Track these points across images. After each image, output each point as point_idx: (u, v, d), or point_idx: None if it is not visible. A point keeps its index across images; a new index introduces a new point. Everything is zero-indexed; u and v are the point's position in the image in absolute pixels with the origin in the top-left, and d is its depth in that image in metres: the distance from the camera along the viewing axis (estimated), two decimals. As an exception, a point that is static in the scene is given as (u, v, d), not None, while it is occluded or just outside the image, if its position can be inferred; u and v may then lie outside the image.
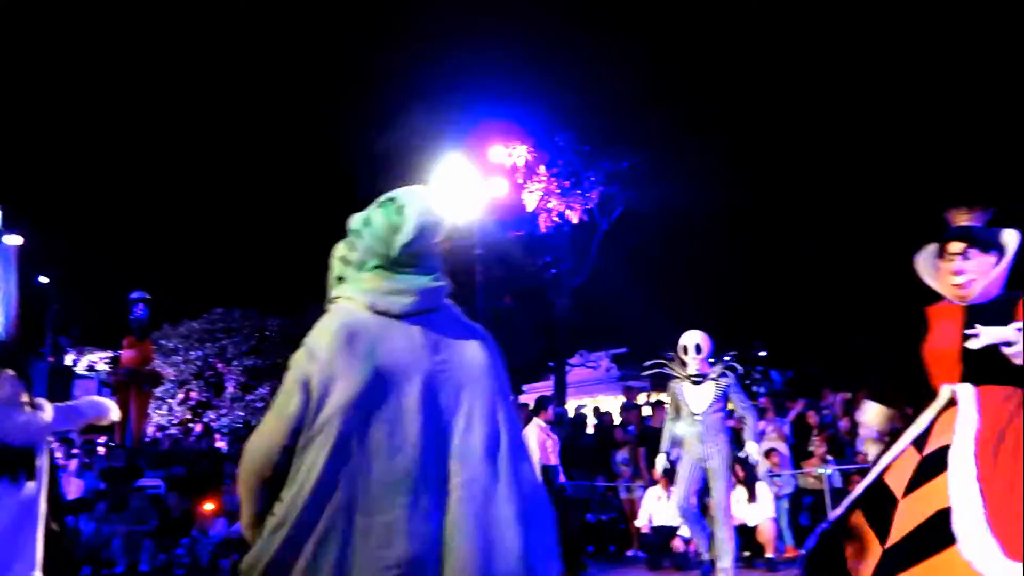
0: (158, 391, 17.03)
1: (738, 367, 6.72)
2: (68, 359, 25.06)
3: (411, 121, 17.99)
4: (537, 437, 7.88)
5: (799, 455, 9.35)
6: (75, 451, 12.57)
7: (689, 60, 18.19)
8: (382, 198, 2.42)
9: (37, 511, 6.35)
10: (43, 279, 24.44)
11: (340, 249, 2.40)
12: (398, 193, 2.44)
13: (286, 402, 2.11)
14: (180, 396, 20.54)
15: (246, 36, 23.20)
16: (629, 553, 9.74)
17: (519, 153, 17.75)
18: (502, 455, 2.20)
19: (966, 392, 3.57)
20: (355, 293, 2.27)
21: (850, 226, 19.24)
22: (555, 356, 19.27)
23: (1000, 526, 3.17)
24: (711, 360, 6.68)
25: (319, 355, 2.13)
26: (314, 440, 2.07)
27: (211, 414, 20.17)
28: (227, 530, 9.98)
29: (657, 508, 8.54)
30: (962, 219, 3.87)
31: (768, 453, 9.07)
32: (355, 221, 2.39)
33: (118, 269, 21.57)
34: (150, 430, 16.44)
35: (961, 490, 3.29)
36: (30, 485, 5.98)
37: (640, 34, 18.17)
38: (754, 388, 23.83)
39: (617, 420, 11.75)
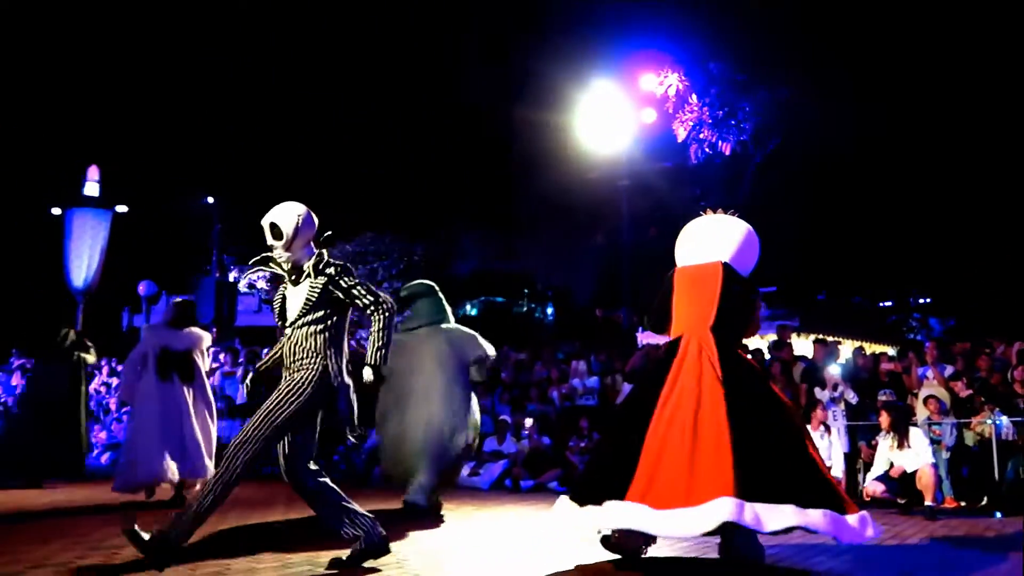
0: (315, 309, 17.78)
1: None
2: (231, 276, 26.66)
3: (562, 48, 17.79)
4: None
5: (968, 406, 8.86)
6: (241, 360, 13.45)
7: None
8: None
9: (185, 406, 7.11)
10: (209, 199, 25.95)
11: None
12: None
13: None
14: (334, 315, 21.47)
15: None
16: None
17: (670, 82, 17.26)
18: None
19: None
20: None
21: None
22: (700, 292, 18.90)
23: None
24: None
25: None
26: None
27: (362, 333, 21.05)
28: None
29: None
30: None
31: (927, 400, 8.69)
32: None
33: (279, 190, 22.59)
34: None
35: None
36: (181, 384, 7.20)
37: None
38: (910, 336, 22.70)
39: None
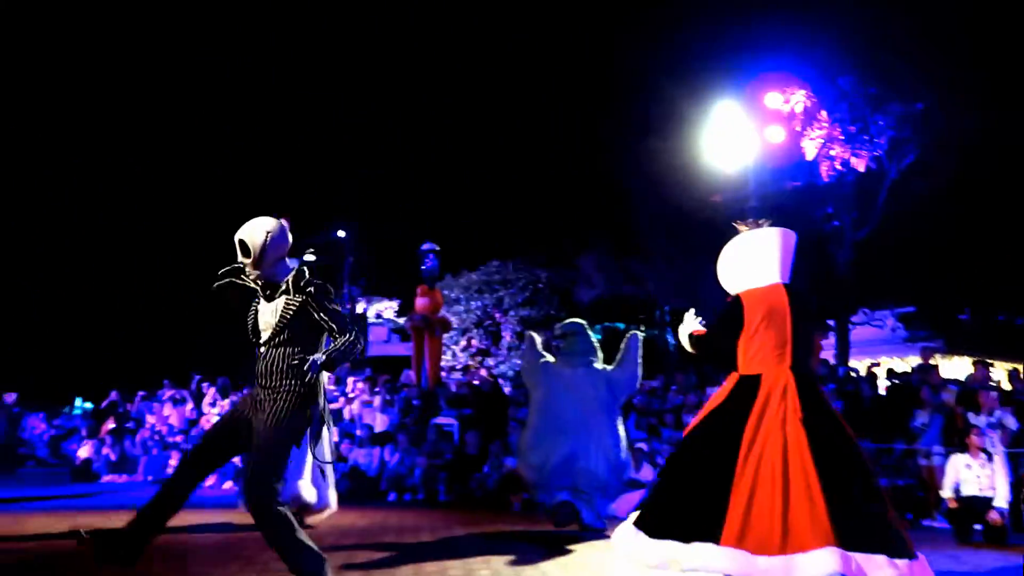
0: (445, 337, 18.27)
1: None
2: (359, 307, 27.61)
3: (686, 71, 17.67)
4: None
5: None
6: (378, 389, 13.87)
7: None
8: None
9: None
10: (340, 233, 27.06)
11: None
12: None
13: None
14: (463, 343, 21.97)
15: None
16: (925, 523, 9.16)
17: (797, 98, 16.84)
18: None
19: None
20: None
21: None
22: (835, 314, 18.27)
23: None
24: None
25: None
26: None
27: (490, 361, 21.40)
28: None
29: (966, 476, 7.93)
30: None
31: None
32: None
33: (407, 222, 23.31)
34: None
35: None
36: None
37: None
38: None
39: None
